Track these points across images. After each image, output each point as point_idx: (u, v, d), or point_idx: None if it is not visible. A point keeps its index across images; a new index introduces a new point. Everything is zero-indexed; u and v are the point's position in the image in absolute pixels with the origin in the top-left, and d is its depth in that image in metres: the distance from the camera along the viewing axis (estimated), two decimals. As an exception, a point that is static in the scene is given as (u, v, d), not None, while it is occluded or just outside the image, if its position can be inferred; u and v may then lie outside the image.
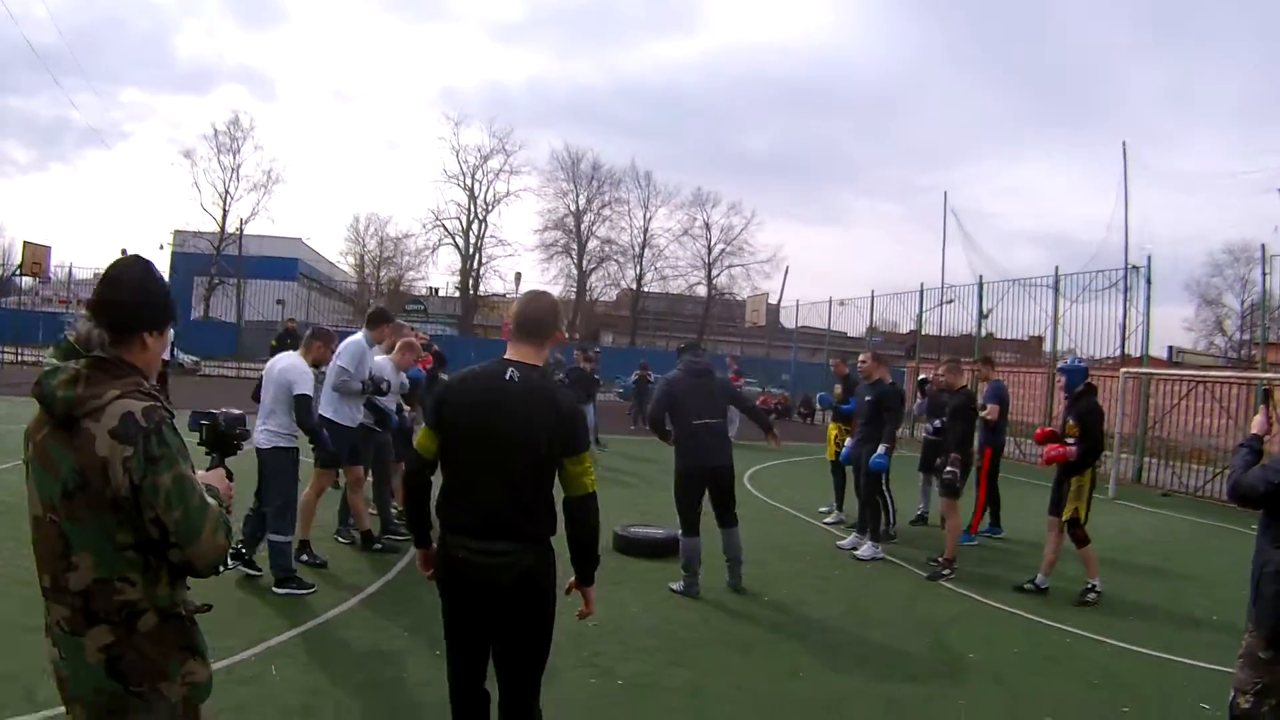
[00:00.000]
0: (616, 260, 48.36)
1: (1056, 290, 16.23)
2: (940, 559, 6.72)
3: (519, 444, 2.58)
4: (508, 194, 46.94)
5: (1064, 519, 6.11)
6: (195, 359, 26.64)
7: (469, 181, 46.04)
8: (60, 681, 1.81)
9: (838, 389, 8.89)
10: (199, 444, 2.18)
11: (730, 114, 73.75)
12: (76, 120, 64.70)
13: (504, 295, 47.21)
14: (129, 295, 1.83)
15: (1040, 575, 6.27)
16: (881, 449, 6.98)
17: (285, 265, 40.05)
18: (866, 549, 7.14)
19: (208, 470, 2.08)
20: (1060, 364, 6.73)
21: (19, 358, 23.76)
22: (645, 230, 47.78)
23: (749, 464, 12.60)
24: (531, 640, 2.70)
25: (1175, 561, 7.86)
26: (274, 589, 5.20)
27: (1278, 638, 2.81)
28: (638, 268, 47.82)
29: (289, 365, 5.36)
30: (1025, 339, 16.82)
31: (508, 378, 2.65)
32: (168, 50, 72.15)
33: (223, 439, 2.19)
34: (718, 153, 71.94)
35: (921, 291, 19.76)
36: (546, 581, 2.68)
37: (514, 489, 2.60)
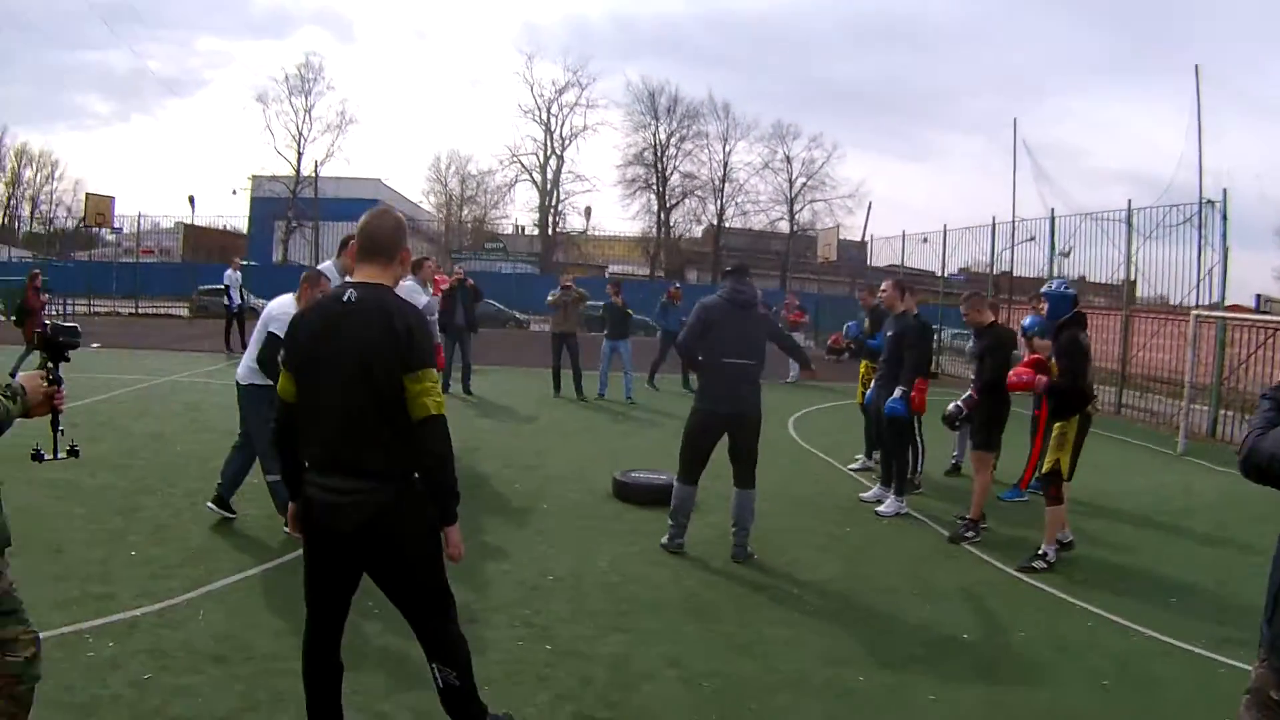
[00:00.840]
0: (698, 195, 47.21)
1: (1130, 226, 14.60)
2: (966, 518, 6.01)
3: (354, 366, 2.40)
4: (585, 129, 46.17)
5: (1044, 470, 5.31)
6: (273, 301, 27.34)
7: (544, 116, 45.48)
8: None
9: (867, 323, 8.09)
10: (35, 347, 2.44)
11: (812, 43, 69.38)
12: (154, 70, 65.05)
13: (582, 232, 46.93)
14: None
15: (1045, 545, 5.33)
16: (898, 392, 6.22)
17: (363, 206, 39.81)
18: (889, 504, 6.46)
19: (31, 374, 2.37)
20: (1043, 288, 5.73)
21: (90, 308, 24.84)
22: (725, 164, 46.34)
23: (797, 406, 11.94)
24: (404, 588, 2.56)
25: (1236, 531, 6.58)
26: (284, 529, 5.00)
27: None
28: (718, 203, 46.57)
29: (275, 304, 5.19)
30: (1117, 283, 15.17)
31: (345, 299, 2.49)
32: None
33: (49, 344, 2.46)
34: (800, 85, 68.34)
35: (994, 226, 18.05)
36: (407, 523, 2.49)
37: (356, 418, 2.42)
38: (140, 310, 25.60)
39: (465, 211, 51.22)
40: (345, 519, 2.43)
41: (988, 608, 4.65)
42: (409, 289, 6.21)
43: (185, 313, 25.99)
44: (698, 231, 49.02)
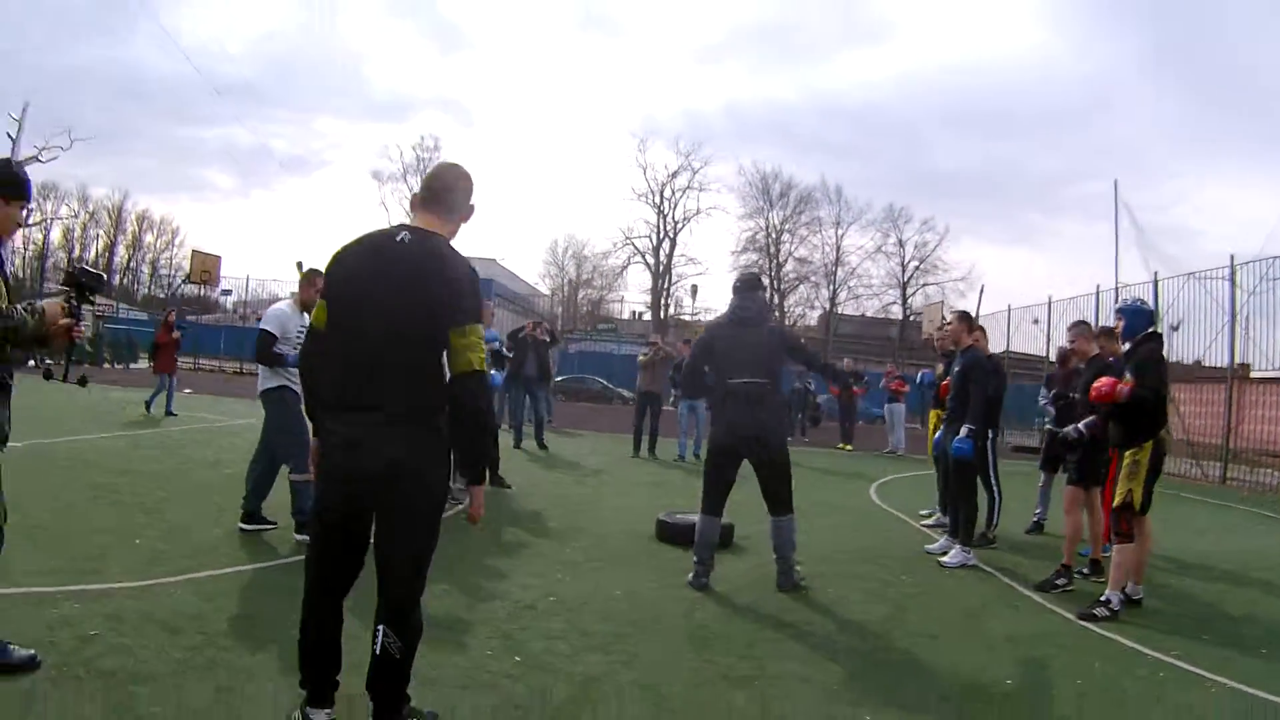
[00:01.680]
0: (811, 280, 46.84)
1: (1233, 283, 13.19)
2: (1060, 566, 5.23)
3: (397, 306, 2.32)
4: (698, 212, 47.00)
5: (1115, 503, 4.59)
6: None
7: (657, 199, 46.67)
8: None
9: (939, 369, 7.45)
10: (61, 284, 2.94)
11: (919, 132, 68.44)
12: (277, 149, 69.14)
13: (695, 315, 47.19)
14: None
15: (1110, 589, 4.63)
16: (964, 430, 5.62)
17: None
18: (955, 554, 5.75)
19: (53, 300, 2.71)
20: (1118, 305, 5.07)
21: (196, 365, 26.66)
22: (838, 248, 45.97)
23: (885, 473, 11.14)
24: (405, 535, 2.42)
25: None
26: (295, 534, 5.10)
27: None
28: (830, 287, 45.98)
29: (271, 307, 5.36)
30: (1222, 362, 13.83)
31: (399, 240, 2.41)
32: (361, 79, 74.66)
33: (74, 281, 2.80)
34: (909, 172, 67.27)
35: (1098, 294, 16.87)
36: (425, 470, 2.39)
37: (389, 358, 2.33)
38: (244, 370, 27.00)
39: (581, 295, 52.73)
40: (370, 455, 2.32)
41: (1039, 656, 3.93)
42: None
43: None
44: (812, 318, 48.43)
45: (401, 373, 2.33)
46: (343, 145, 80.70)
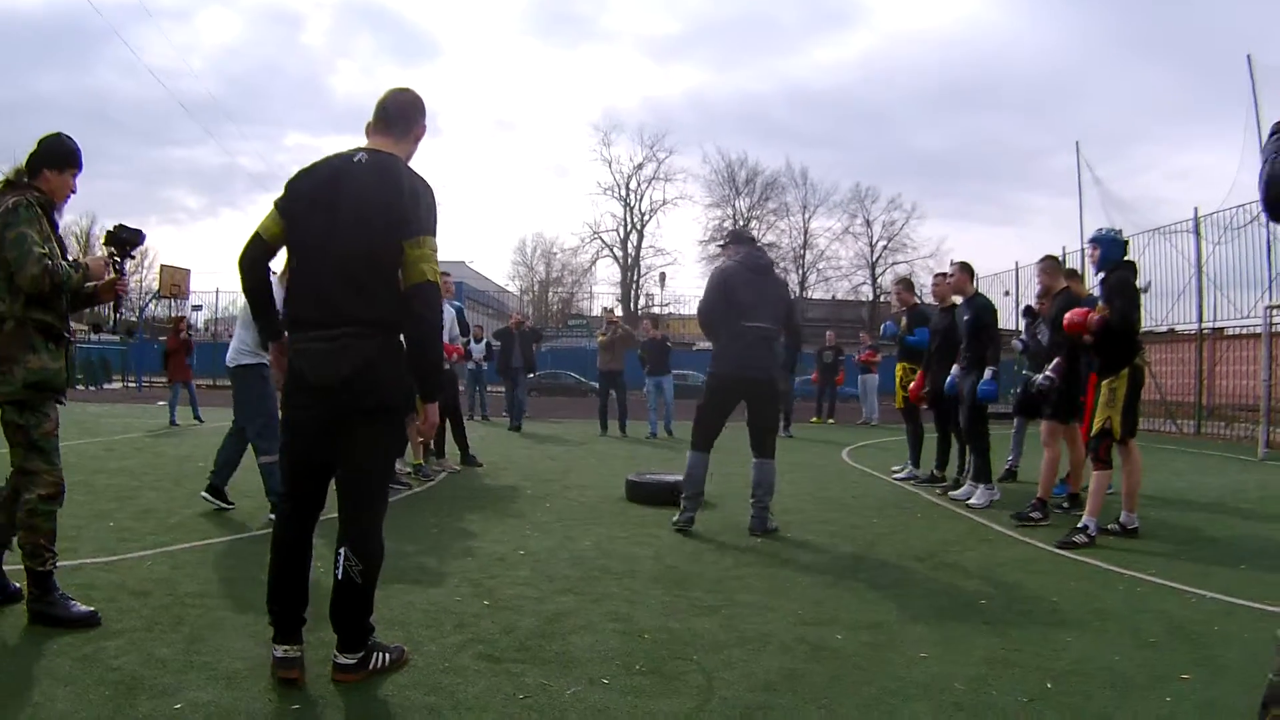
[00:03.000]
0: (781, 265, 46.97)
1: (1198, 234, 13.43)
2: (1035, 500, 5.32)
3: (355, 218, 2.36)
4: (664, 203, 47.05)
5: (1093, 429, 4.67)
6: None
7: (623, 192, 46.61)
8: None
9: (903, 320, 7.50)
10: (102, 243, 3.26)
11: (894, 114, 68.85)
12: (244, 166, 68.23)
13: (663, 305, 47.23)
14: (35, 149, 2.99)
15: (1086, 514, 4.72)
16: (989, 373, 5.79)
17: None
18: (980, 495, 5.86)
19: (96, 257, 3.13)
20: (1092, 235, 5.16)
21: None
22: (805, 231, 46.19)
23: (859, 439, 11.23)
24: (367, 448, 2.45)
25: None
26: (269, 515, 5.01)
27: None
28: (800, 270, 46.19)
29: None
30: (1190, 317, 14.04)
31: (356, 160, 2.46)
32: (326, 92, 74.69)
33: (114, 239, 3.18)
34: (878, 154, 67.66)
35: (1064, 254, 16.86)
36: (389, 380, 2.41)
37: (350, 269, 2.37)
38: (216, 384, 26.54)
39: (551, 293, 52.54)
40: (332, 365, 2.35)
41: (1015, 579, 3.96)
42: None
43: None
44: (782, 303, 48.55)
45: (363, 280, 2.36)
46: (309, 159, 79.21)
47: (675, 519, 4.94)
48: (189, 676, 2.49)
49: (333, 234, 2.38)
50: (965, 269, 6.31)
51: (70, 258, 2.94)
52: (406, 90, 2.65)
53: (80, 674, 2.48)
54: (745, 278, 4.99)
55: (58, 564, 3.01)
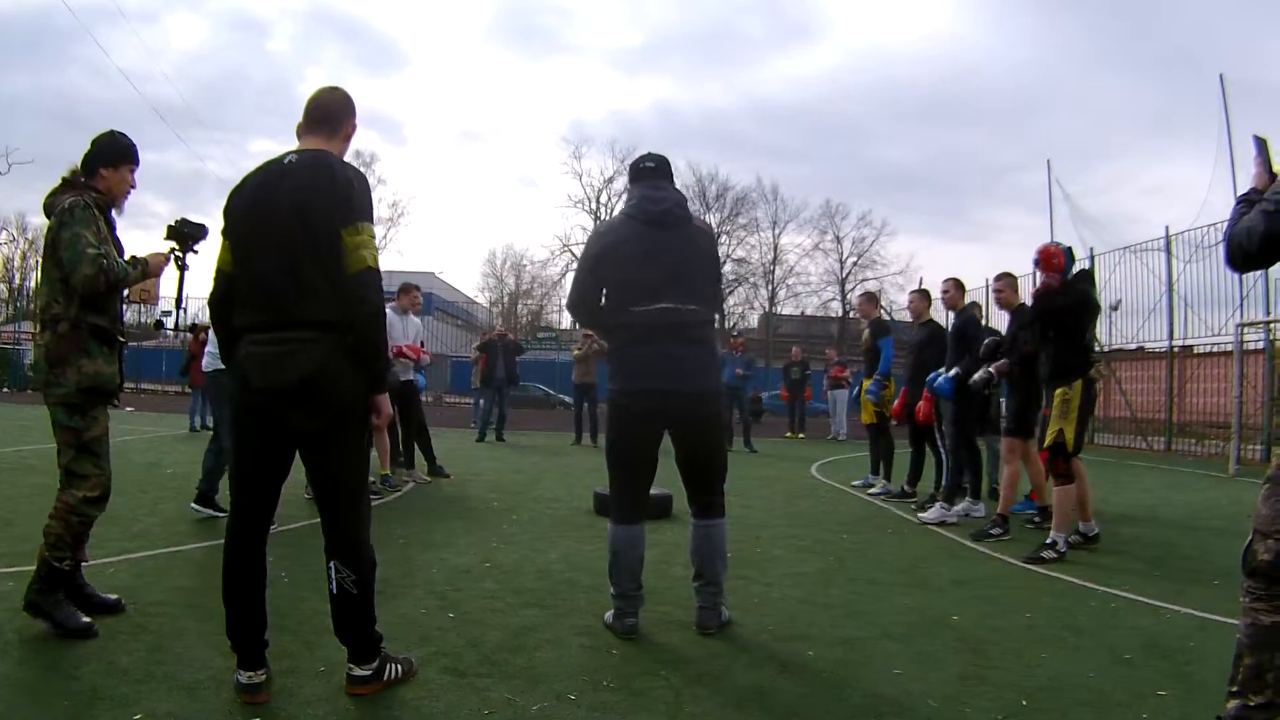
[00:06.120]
0: (750, 281, 47.23)
1: (1169, 253, 13.70)
2: (996, 515, 5.29)
3: (292, 219, 2.32)
4: (636, 217, 46.98)
5: (1045, 443, 4.66)
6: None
7: (594, 205, 46.55)
8: None
9: (865, 335, 7.51)
10: (165, 238, 3.12)
11: (862, 128, 69.70)
12: (212, 171, 66.88)
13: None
14: (90, 148, 2.98)
15: (1054, 531, 4.69)
16: (953, 372, 5.78)
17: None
18: (961, 507, 5.90)
19: (157, 253, 3.08)
20: (1039, 247, 5.21)
21: (138, 389, 25.70)
22: (775, 247, 46.48)
23: (830, 454, 11.24)
24: (332, 465, 2.40)
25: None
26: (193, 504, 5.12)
27: None
28: (769, 286, 46.45)
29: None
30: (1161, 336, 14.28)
31: (286, 162, 2.45)
32: (294, 100, 72.97)
33: (176, 234, 3.11)
34: (848, 170, 68.36)
35: (1034, 274, 17.02)
36: (345, 384, 2.34)
37: (295, 271, 2.32)
38: (185, 391, 26.17)
39: (520, 306, 52.26)
40: (284, 371, 2.29)
41: (988, 595, 3.93)
42: (389, 318, 6.06)
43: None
44: (752, 319, 48.76)
45: (308, 281, 2.32)
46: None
47: (608, 618, 3.25)
48: (149, 686, 2.42)
49: (273, 235, 2.35)
50: (957, 284, 6.38)
51: (130, 256, 2.96)
52: (336, 89, 2.65)
53: (40, 684, 2.40)
54: (633, 236, 3.18)
55: (25, 569, 2.95)
